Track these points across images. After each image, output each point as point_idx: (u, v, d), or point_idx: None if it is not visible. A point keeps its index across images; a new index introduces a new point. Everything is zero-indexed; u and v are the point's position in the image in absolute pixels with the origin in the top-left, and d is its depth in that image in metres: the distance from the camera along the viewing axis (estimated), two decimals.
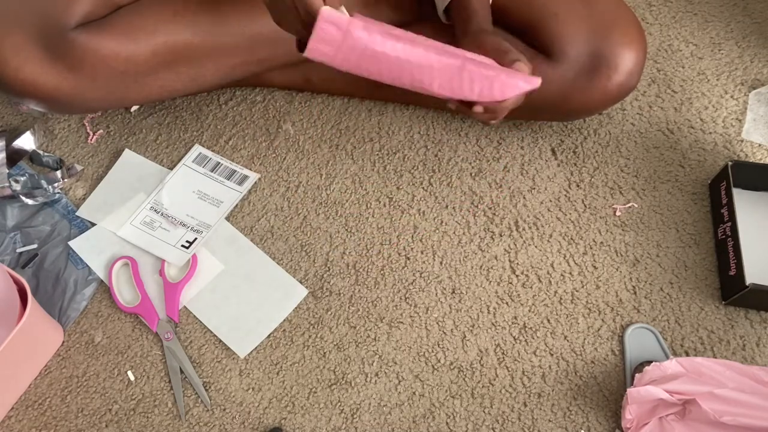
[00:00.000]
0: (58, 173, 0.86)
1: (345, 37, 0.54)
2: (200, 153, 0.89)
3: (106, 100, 0.79)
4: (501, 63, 0.61)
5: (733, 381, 0.64)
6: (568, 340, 0.74)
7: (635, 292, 0.77)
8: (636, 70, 0.76)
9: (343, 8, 0.55)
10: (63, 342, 0.76)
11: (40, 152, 0.89)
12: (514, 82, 0.59)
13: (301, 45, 0.57)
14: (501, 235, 0.81)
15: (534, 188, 0.85)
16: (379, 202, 0.85)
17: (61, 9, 0.71)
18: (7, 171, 0.86)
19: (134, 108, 0.94)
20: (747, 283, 0.70)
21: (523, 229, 0.82)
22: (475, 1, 0.70)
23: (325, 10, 0.52)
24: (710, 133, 0.89)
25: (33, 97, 0.73)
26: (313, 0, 0.53)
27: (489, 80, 0.59)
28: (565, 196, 0.84)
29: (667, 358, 0.71)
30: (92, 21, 0.73)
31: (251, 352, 0.75)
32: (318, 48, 0.55)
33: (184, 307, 0.78)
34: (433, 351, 0.74)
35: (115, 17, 0.74)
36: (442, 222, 0.83)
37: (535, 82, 0.61)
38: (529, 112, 0.83)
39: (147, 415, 0.72)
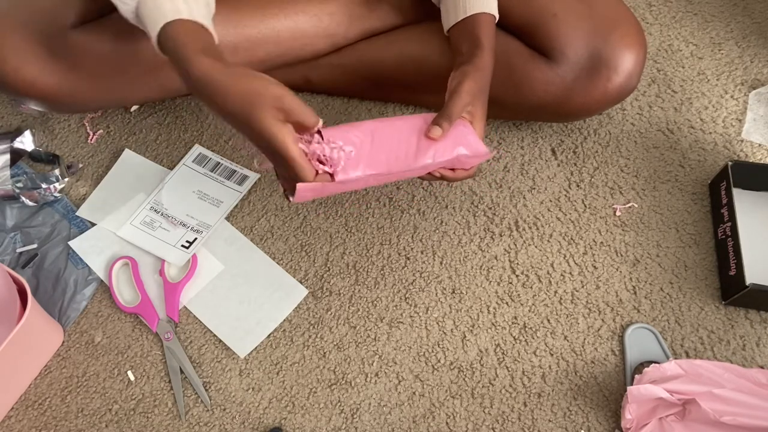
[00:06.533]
0: (57, 171, 0.86)
1: (323, 191, 0.61)
2: (200, 153, 0.89)
3: (106, 99, 0.79)
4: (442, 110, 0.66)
5: (732, 383, 0.64)
6: (568, 340, 0.74)
7: (635, 292, 0.77)
8: (636, 71, 0.76)
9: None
10: (63, 342, 0.76)
11: (40, 151, 0.90)
12: (472, 160, 0.67)
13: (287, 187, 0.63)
14: (501, 235, 0.81)
15: (534, 188, 0.85)
16: (379, 202, 0.85)
17: (60, 9, 0.71)
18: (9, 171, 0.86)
19: (134, 108, 0.94)
20: (747, 283, 0.69)
21: (523, 229, 0.82)
22: (484, 36, 0.69)
23: (300, 187, 0.57)
24: (710, 133, 0.89)
25: (33, 97, 0.74)
26: (304, 174, 0.57)
27: (449, 164, 0.66)
28: (565, 196, 0.84)
29: (667, 358, 0.71)
30: (92, 20, 0.73)
31: (251, 352, 0.75)
32: (301, 200, 0.61)
33: (184, 307, 0.78)
34: (433, 351, 0.74)
35: (113, 17, 0.74)
36: (442, 222, 0.83)
37: (486, 156, 0.67)
38: (529, 112, 0.84)
39: (147, 415, 0.72)
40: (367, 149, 0.61)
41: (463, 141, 0.64)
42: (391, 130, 0.63)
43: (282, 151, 0.56)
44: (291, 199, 0.60)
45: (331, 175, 0.59)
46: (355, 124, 0.63)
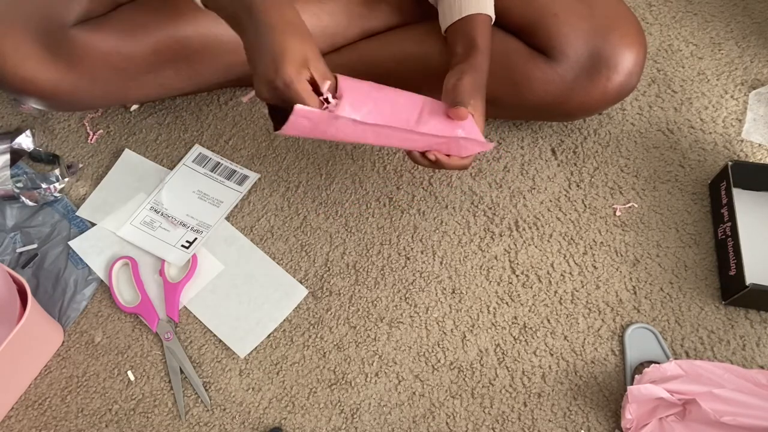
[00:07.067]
0: (57, 171, 0.86)
1: (316, 125, 0.58)
2: (200, 153, 0.89)
3: (105, 97, 0.79)
4: (449, 103, 0.65)
5: (732, 384, 0.64)
6: (568, 340, 0.74)
7: (635, 292, 0.77)
8: (636, 71, 0.76)
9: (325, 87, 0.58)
10: (63, 342, 0.76)
11: (40, 151, 0.90)
12: (470, 147, 0.67)
13: (276, 122, 0.61)
14: (501, 235, 0.81)
15: (534, 188, 0.85)
16: (379, 202, 0.85)
17: (61, 6, 0.71)
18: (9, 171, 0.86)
19: (134, 107, 0.94)
20: (747, 283, 0.69)
21: (523, 229, 0.82)
22: (479, 37, 0.70)
23: (297, 110, 0.56)
24: (710, 133, 0.89)
25: (32, 95, 0.73)
26: (307, 98, 0.56)
27: (446, 144, 0.66)
28: (565, 196, 0.84)
29: (668, 358, 0.71)
30: (92, 18, 0.73)
31: (251, 352, 0.75)
32: (290, 132, 0.59)
33: (184, 307, 0.78)
34: (433, 351, 0.74)
35: (115, 15, 0.74)
36: (442, 222, 0.83)
37: (487, 146, 0.68)
38: (529, 112, 0.84)
39: (147, 415, 0.72)
40: (373, 98, 0.61)
41: (464, 125, 0.65)
42: (396, 96, 0.64)
43: (297, 96, 0.56)
44: (279, 130, 0.58)
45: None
46: (364, 81, 0.63)
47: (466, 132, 0.65)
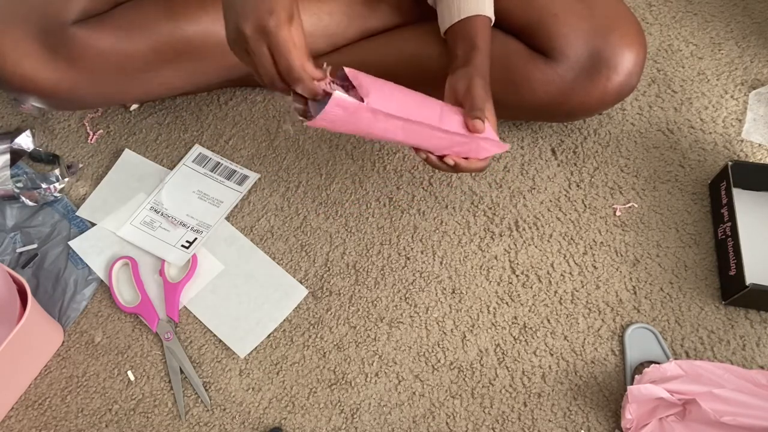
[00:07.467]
0: (57, 171, 0.86)
1: (349, 117, 0.56)
2: (200, 153, 0.89)
3: (105, 96, 0.79)
4: (465, 109, 0.66)
5: (732, 384, 0.64)
6: (568, 340, 0.74)
7: (635, 292, 0.77)
8: (635, 71, 0.76)
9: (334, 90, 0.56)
10: (63, 342, 0.76)
11: (40, 151, 0.90)
12: (486, 148, 0.67)
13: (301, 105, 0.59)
14: (501, 235, 0.81)
15: (534, 188, 0.85)
16: (379, 202, 0.85)
17: (60, 4, 0.71)
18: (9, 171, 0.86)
19: (134, 107, 0.94)
20: (747, 283, 0.69)
21: (523, 229, 0.82)
22: (479, 39, 0.70)
23: (336, 96, 0.54)
24: (710, 133, 0.89)
25: (32, 93, 0.73)
26: (312, 88, 0.54)
27: (467, 145, 0.66)
28: (565, 196, 0.84)
29: (668, 358, 0.71)
30: (92, 17, 0.73)
31: (251, 352, 0.75)
32: (322, 123, 0.57)
33: (184, 307, 0.78)
34: (433, 351, 0.74)
35: (114, 13, 0.74)
36: (442, 222, 0.83)
37: (503, 147, 0.69)
38: (529, 112, 0.84)
39: (147, 415, 0.72)
40: (396, 94, 0.60)
41: None
42: (414, 94, 0.63)
43: (283, 46, 0.52)
44: (311, 122, 0.55)
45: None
46: (375, 77, 0.61)
47: (485, 133, 0.65)
